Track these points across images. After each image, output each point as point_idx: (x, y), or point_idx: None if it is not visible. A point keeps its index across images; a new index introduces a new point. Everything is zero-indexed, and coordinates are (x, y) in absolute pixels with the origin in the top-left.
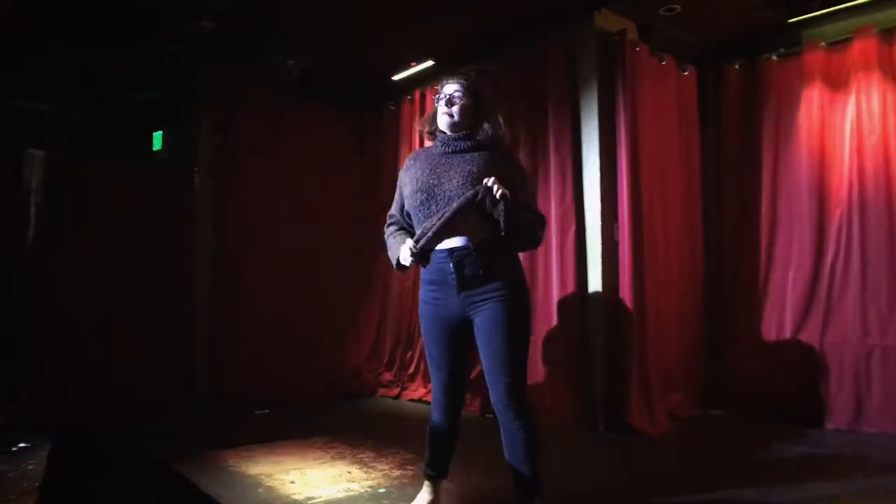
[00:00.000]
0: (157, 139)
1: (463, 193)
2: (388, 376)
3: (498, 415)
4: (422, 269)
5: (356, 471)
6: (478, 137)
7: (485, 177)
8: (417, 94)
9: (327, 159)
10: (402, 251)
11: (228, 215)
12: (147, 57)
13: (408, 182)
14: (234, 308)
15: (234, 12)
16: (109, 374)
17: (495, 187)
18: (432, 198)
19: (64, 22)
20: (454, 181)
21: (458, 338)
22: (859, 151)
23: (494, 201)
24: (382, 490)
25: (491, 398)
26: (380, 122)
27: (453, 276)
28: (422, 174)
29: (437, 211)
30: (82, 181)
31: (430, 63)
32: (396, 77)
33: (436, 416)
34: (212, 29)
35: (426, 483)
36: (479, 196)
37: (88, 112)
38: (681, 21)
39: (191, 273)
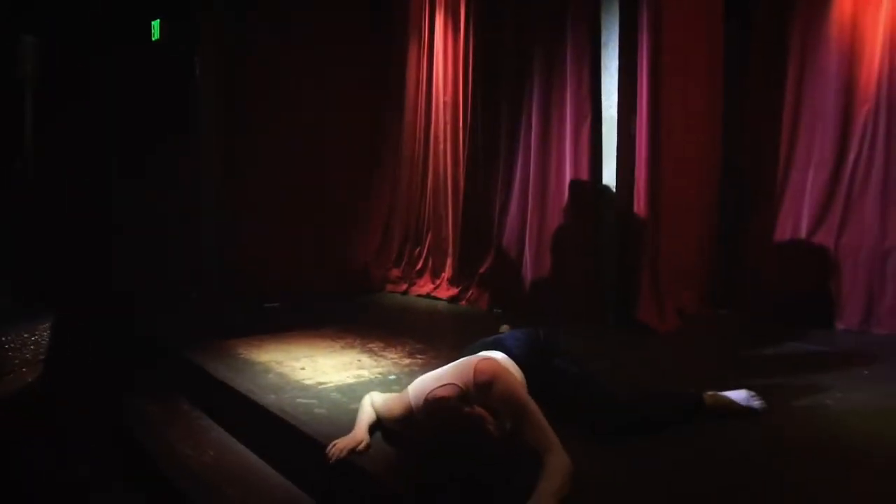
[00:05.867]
0: (156, 28)
1: None
2: (395, 272)
3: None
4: None
5: (366, 359)
6: None
7: None
8: None
9: (335, 47)
10: None
11: (235, 112)
12: None
13: None
14: (244, 204)
15: None
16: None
17: None
18: None
19: None
20: None
21: None
22: (892, 46)
23: None
24: (392, 377)
25: None
26: (388, 7)
27: None
28: None
29: None
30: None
31: None
32: None
33: None
34: None
35: None
36: None
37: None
38: None
39: (198, 171)
